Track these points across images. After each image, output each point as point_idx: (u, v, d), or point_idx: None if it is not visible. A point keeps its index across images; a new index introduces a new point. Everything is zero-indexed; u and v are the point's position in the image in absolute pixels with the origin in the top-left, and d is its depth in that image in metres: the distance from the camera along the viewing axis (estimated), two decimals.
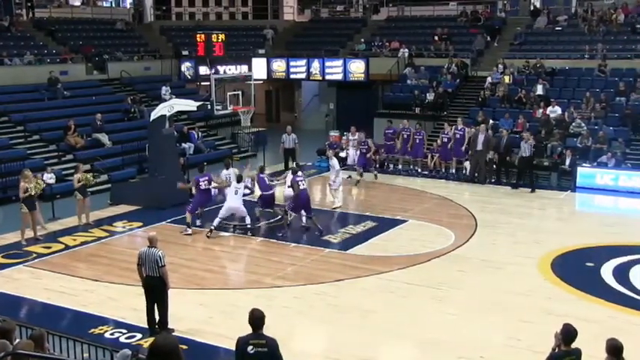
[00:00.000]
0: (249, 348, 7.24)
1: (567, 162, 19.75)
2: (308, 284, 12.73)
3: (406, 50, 29.42)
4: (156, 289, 10.27)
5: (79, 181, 16.49)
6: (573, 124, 22.18)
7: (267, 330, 10.52)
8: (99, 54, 28.65)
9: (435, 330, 10.73)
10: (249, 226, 16.02)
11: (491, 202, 18.78)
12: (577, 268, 13.57)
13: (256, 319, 7.29)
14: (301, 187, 15.83)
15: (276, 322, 10.95)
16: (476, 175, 20.81)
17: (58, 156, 21.44)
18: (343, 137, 23.81)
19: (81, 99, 25.63)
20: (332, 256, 14.35)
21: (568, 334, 6.99)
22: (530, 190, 19.55)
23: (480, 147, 20.50)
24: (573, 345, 7.00)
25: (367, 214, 17.54)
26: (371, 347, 10.23)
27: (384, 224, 16.59)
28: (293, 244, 15.33)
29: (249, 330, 8.77)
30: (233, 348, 9.66)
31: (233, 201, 15.73)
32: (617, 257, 13.89)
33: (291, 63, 30.78)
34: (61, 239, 15.58)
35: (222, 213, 15.87)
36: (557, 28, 28.71)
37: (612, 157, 20.10)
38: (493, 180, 20.88)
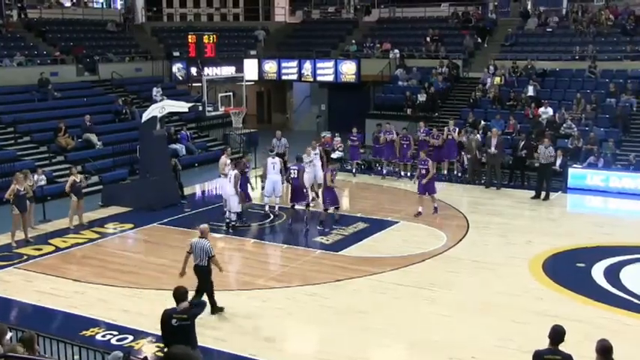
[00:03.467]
0: (174, 321, 8.01)
1: (558, 163, 19.83)
2: (300, 285, 12.73)
3: (397, 51, 29.46)
4: (201, 277, 10.95)
5: (73, 184, 16.38)
6: (564, 125, 22.27)
7: (261, 331, 10.58)
8: (90, 55, 28.55)
9: (427, 331, 10.75)
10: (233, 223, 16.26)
11: (482, 203, 18.82)
12: (568, 269, 13.62)
13: (180, 294, 8.18)
14: (292, 175, 16.56)
15: (269, 324, 10.99)
16: (497, 181, 20.41)
17: (49, 157, 21.33)
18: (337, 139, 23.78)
19: (71, 100, 25.52)
20: (324, 258, 14.35)
21: (555, 333, 6.99)
22: (544, 196, 18.94)
23: (494, 150, 20.36)
24: (564, 345, 7.01)
25: (359, 215, 17.53)
26: (363, 348, 10.23)
27: (376, 225, 16.60)
28: (285, 246, 15.34)
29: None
30: (227, 350, 9.79)
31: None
32: (607, 258, 13.94)
33: (283, 64, 30.77)
34: (51, 241, 15.50)
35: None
36: (547, 30, 28.83)
37: (599, 157, 20.17)
38: (483, 181, 20.89)
